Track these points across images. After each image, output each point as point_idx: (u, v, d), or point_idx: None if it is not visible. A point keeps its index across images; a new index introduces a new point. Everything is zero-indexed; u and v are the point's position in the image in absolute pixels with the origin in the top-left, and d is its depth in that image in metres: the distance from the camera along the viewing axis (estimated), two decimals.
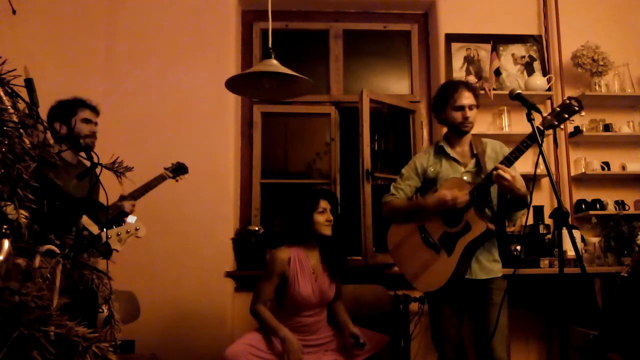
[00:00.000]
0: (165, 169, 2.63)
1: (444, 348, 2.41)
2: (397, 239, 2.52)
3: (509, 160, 2.21)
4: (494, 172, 2.16)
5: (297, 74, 1.95)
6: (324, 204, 2.50)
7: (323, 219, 2.48)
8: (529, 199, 2.21)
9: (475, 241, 2.27)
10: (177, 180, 2.66)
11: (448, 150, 2.45)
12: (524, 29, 3.64)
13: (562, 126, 2.23)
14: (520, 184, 2.16)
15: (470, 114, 2.38)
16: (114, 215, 2.34)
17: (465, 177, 2.37)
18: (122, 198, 2.39)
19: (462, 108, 2.37)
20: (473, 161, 2.42)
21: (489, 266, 2.35)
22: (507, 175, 2.12)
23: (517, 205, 2.30)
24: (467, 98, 2.37)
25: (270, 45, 2.04)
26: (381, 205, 2.58)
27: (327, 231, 2.49)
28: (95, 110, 2.48)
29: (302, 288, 2.41)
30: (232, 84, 2.05)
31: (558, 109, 2.16)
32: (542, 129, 2.13)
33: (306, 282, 2.43)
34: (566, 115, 2.13)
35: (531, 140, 2.13)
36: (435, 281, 2.33)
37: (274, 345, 2.38)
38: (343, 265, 2.61)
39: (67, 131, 2.35)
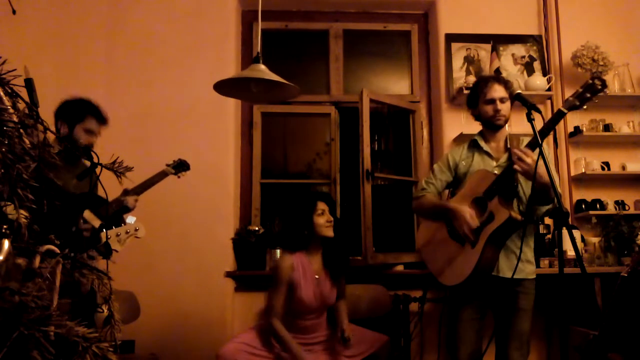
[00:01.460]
0: (167, 165, 2.63)
1: (458, 350, 2.33)
2: (426, 235, 2.49)
3: (532, 145, 2.14)
4: (514, 151, 2.11)
5: (282, 80, 1.96)
6: (321, 205, 2.50)
7: (323, 221, 2.47)
8: (553, 194, 2.15)
9: (499, 231, 2.19)
10: (178, 177, 2.67)
11: (482, 144, 2.42)
12: (524, 29, 3.64)
13: (585, 107, 2.10)
14: (542, 171, 2.07)
15: (501, 106, 2.34)
16: (116, 210, 2.33)
17: (495, 171, 2.31)
18: (126, 192, 2.39)
19: (492, 101, 2.35)
20: (505, 156, 2.36)
21: (520, 266, 2.25)
22: (527, 159, 2.07)
23: (541, 198, 2.20)
24: (497, 91, 2.34)
25: (259, 49, 2.05)
26: (384, 203, 2.55)
27: (328, 232, 2.48)
28: (102, 121, 2.43)
29: (305, 293, 2.41)
30: (222, 87, 2.06)
31: (580, 90, 2.08)
32: (564, 111, 2.08)
33: (308, 287, 2.43)
34: (589, 95, 2.06)
35: (552, 124, 2.10)
36: (459, 274, 2.27)
37: (268, 344, 2.38)
38: (346, 266, 2.60)
39: (67, 133, 2.33)
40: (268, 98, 2.23)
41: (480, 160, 2.40)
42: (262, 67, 1.98)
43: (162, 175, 2.55)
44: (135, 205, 2.43)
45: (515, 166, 2.10)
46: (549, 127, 2.12)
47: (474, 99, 2.43)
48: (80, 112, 2.36)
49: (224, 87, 2.08)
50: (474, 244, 2.23)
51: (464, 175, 2.42)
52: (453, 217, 2.30)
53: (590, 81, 2.08)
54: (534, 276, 2.34)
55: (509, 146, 2.37)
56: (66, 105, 2.37)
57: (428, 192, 2.48)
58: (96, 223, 2.09)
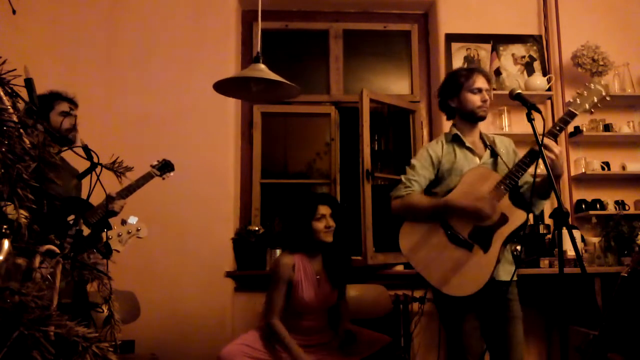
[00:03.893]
0: (152, 166, 2.58)
1: None
2: (413, 239, 2.21)
3: (553, 135, 2.11)
4: (545, 143, 1.99)
5: (282, 79, 1.95)
6: (322, 209, 2.44)
7: (322, 226, 2.42)
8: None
9: (514, 234, 2.09)
10: (163, 178, 2.61)
11: (464, 139, 2.28)
12: (524, 29, 3.64)
13: (592, 111, 2.19)
14: (562, 163, 2.04)
15: (487, 97, 2.25)
16: (102, 216, 2.30)
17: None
18: (110, 198, 2.33)
19: (480, 90, 2.24)
20: (488, 152, 2.27)
21: (509, 267, 2.17)
22: (556, 150, 2.04)
23: (548, 192, 2.16)
24: (483, 82, 2.26)
25: (259, 49, 2.05)
26: (385, 203, 2.41)
27: (327, 238, 2.44)
28: (73, 102, 2.43)
29: (306, 293, 2.40)
30: (221, 87, 2.07)
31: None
32: (575, 112, 2.11)
33: (309, 287, 2.42)
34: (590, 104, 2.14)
35: (570, 117, 2.13)
36: (472, 283, 2.06)
37: (270, 345, 2.38)
38: (347, 271, 2.55)
39: (47, 126, 2.30)
40: (268, 97, 2.21)
41: (463, 157, 2.26)
42: (262, 66, 1.99)
43: (147, 178, 2.50)
44: (121, 210, 2.39)
45: (550, 155, 2.02)
46: (568, 120, 2.13)
47: (454, 89, 2.28)
48: (47, 101, 2.34)
49: (224, 87, 2.08)
50: (486, 248, 2.09)
51: (447, 172, 2.26)
52: (475, 214, 2.11)
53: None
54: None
55: (488, 143, 2.29)
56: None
57: (413, 190, 2.24)
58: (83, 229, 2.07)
